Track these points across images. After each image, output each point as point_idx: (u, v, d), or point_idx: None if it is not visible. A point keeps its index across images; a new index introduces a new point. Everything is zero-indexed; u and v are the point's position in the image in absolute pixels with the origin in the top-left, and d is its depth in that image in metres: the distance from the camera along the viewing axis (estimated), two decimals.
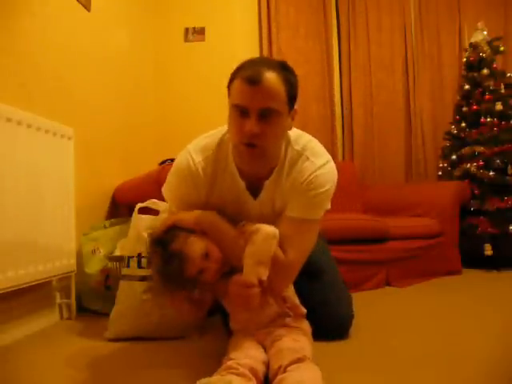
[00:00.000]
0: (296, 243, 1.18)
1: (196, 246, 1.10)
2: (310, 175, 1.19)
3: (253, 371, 0.99)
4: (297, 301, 1.26)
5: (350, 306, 1.47)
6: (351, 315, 1.46)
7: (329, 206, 1.26)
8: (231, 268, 1.14)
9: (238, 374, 0.96)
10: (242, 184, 1.24)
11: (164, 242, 1.12)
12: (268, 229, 1.12)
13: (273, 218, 1.24)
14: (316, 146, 1.26)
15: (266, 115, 1.10)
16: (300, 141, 1.25)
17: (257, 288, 1.04)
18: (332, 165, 1.25)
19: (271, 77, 1.09)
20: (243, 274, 1.05)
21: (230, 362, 1.01)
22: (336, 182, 1.25)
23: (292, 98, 1.16)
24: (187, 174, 1.24)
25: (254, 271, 1.05)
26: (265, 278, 1.05)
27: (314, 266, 1.43)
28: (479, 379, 1.09)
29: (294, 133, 1.27)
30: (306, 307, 1.27)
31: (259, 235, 1.10)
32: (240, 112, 1.11)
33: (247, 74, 1.09)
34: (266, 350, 1.11)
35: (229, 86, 1.16)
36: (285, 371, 0.98)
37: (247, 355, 1.04)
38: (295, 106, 1.19)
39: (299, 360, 1.00)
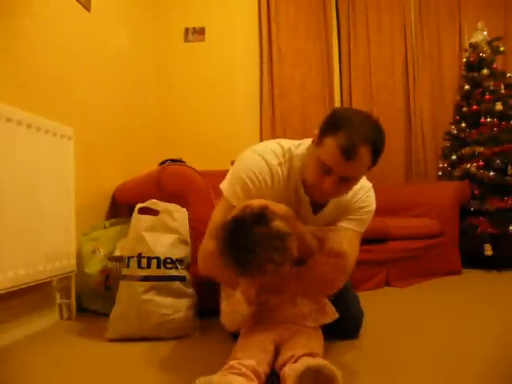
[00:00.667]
0: (352, 248, 1.31)
1: (288, 228, 1.06)
2: (363, 196, 1.34)
3: (255, 372, 1.00)
4: (329, 304, 1.28)
5: (359, 305, 1.51)
6: (362, 314, 1.48)
7: (368, 224, 1.40)
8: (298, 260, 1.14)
9: (239, 374, 0.97)
10: (305, 199, 1.29)
11: (264, 220, 1.03)
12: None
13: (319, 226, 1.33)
14: None
15: (346, 179, 1.17)
16: None
17: (343, 261, 1.21)
18: (373, 191, 1.40)
19: (365, 153, 1.12)
20: (330, 249, 1.21)
21: (232, 362, 1.01)
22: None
23: (376, 161, 1.19)
24: (266, 175, 1.24)
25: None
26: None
27: None
28: (479, 379, 1.09)
29: None
30: None
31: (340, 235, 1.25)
32: (324, 167, 1.15)
33: (344, 145, 1.10)
34: (279, 346, 1.11)
35: (321, 136, 1.16)
36: (296, 361, 1.00)
37: (252, 356, 1.05)
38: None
39: (311, 354, 1.03)
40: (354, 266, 1.32)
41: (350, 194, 1.30)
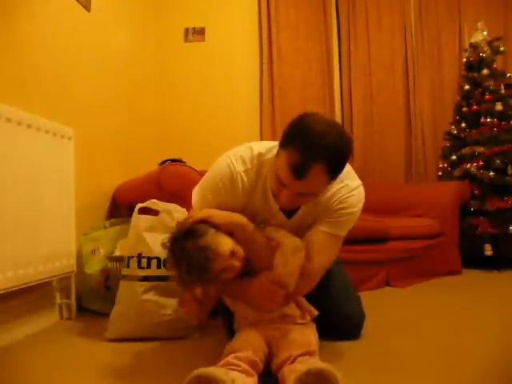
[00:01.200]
0: (322, 252, 1.25)
1: (225, 243, 1.11)
2: (343, 196, 1.23)
3: (252, 363, 1.01)
4: (306, 304, 1.28)
5: (360, 306, 1.50)
6: (363, 315, 1.47)
7: (351, 226, 1.30)
8: (249, 269, 1.16)
9: (239, 371, 0.97)
10: (275, 207, 1.25)
11: (194, 234, 1.09)
12: (296, 242, 1.18)
13: (297, 230, 1.28)
14: (349, 169, 1.27)
15: (304, 194, 1.13)
16: None
17: (284, 290, 1.12)
18: (362, 189, 1.29)
19: (318, 171, 1.05)
20: (277, 276, 1.12)
21: (229, 358, 1.02)
22: (362, 204, 1.31)
23: (335, 176, 1.13)
24: (227, 182, 1.23)
25: (286, 278, 1.13)
26: (291, 290, 1.13)
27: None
28: (479, 379, 1.09)
29: None
30: (319, 308, 1.29)
31: (288, 248, 1.15)
32: (279, 180, 1.12)
33: (294, 163, 1.05)
34: (271, 345, 1.12)
35: (279, 145, 1.13)
36: (294, 361, 1.00)
37: (247, 345, 1.07)
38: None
39: (308, 353, 1.03)
40: (324, 272, 1.27)
41: (329, 193, 1.23)
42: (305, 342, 1.09)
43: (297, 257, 1.15)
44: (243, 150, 1.26)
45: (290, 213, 1.27)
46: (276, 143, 1.22)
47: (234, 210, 1.23)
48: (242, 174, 1.22)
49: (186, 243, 1.08)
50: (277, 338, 1.13)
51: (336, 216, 1.24)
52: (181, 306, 1.21)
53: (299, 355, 1.02)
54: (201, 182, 1.32)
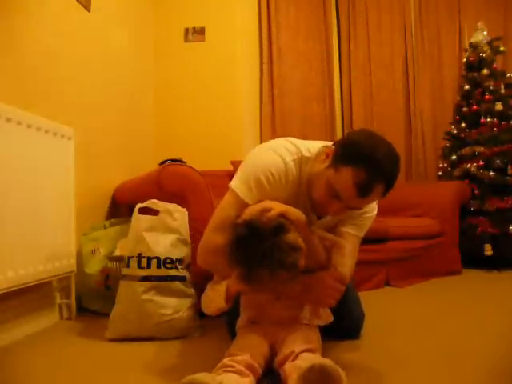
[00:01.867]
0: (352, 255, 1.33)
1: (302, 241, 1.06)
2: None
3: (249, 367, 1.00)
4: (323, 309, 1.27)
5: (361, 307, 1.50)
6: (363, 315, 1.47)
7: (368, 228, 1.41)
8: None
9: (233, 372, 0.97)
10: (308, 205, 1.27)
11: (284, 230, 1.03)
12: (348, 245, 1.29)
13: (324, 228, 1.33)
14: None
15: (354, 207, 1.19)
16: None
17: (344, 288, 1.18)
18: None
19: (379, 189, 1.11)
20: (339, 274, 1.19)
21: (225, 360, 1.02)
22: None
23: (386, 194, 1.17)
24: (279, 173, 1.21)
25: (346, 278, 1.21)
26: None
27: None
28: (479, 379, 1.09)
29: None
30: None
31: (346, 249, 1.27)
32: (333, 192, 1.13)
33: (362, 182, 1.08)
34: (275, 345, 1.12)
35: (337, 160, 1.13)
36: (296, 358, 1.00)
37: (246, 349, 1.05)
38: None
39: (311, 350, 1.03)
40: (352, 272, 1.33)
41: None
42: (307, 339, 1.09)
43: (352, 258, 1.27)
44: (284, 143, 1.26)
45: (319, 214, 1.30)
46: (309, 143, 1.28)
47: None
48: (292, 163, 1.23)
49: (276, 239, 1.00)
50: (281, 337, 1.13)
51: (360, 219, 1.34)
52: (227, 303, 1.16)
53: (301, 352, 1.02)
54: (241, 174, 1.26)
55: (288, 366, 0.99)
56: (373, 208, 1.36)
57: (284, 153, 1.23)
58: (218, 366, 1.01)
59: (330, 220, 1.33)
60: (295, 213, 1.13)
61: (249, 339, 1.13)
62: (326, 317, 1.26)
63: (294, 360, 1.01)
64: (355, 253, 1.36)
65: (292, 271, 1.01)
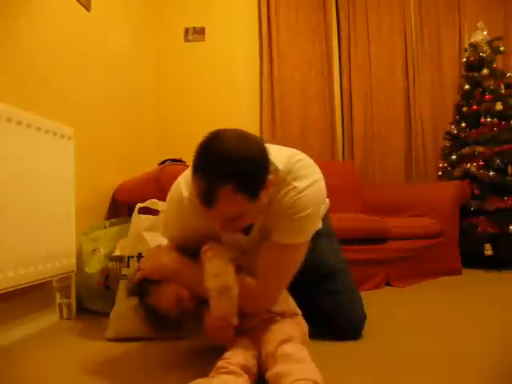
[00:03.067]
0: (275, 271, 1.17)
1: (166, 296, 1.16)
2: (291, 200, 1.13)
3: (244, 368, 1.00)
4: (290, 302, 1.26)
5: (362, 308, 1.48)
6: (364, 317, 1.46)
7: (318, 226, 1.23)
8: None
9: (227, 373, 0.97)
10: None
11: (140, 295, 1.19)
12: (226, 280, 1.08)
13: (258, 244, 1.21)
14: (301, 167, 1.17)
15: (232, 219, 1.06)
16: (287, 166, 1.16)
17: (231, 325, 1.07)
18: (317, 186, 1.18)
19: (228, 193, 0.98)
20: (211, 309, 1.07)
21: (220, 362, 1.02)
22: (323, 201, 1.22)
23: (256, 191, 1.03)
24: (178, 206, 1.21)
25: (221, 305, 1.06)
26: (236, 322, 1.07)
27: (327, 269, 1.43)
28: (479, 379, 1.09)
29: (276, 157, 1.14)
30: (321, 310, 1.27)
31: (214, 292, 1.07)
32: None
33: (201, 193, 1.00)
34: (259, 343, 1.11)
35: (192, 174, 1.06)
36: (274, 357, 1.00)
37: (239, 352, 1.06)
38: (267, 178, 1.06)
39: (286, 341, 1.03)
40: (280, 291, 1.21)
41: (278, 199, 1.13)
42: (281, 331, 1.09)
43: (225, 298, 1.06)
44: (189, 171, 1.14)
45: (247, 229, 1.19)
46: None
47: (194, 230, 1.20)
48: (188, 197, 1.16)
49: (139, 304, 1.20)
50: (259, 338, 1.11)
51: (288, 222, 1.14)
52: (227, 344, 1.12)
53: (274, 350, 1.01)
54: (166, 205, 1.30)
55: (270, 379, 0.98)
56: (303, 207, 1.13)
57: (185, 185, 1.19)
58: (213, 369, 1.01)
59: (261, 230, 1.19)
60: (157, 270, 1.19)
61: (240, 343, 1.12)
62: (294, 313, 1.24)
63: (273, 362, 0.99)
64: (284, 263, 1.17)
65: (162, 325, 1.15)
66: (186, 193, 1.18)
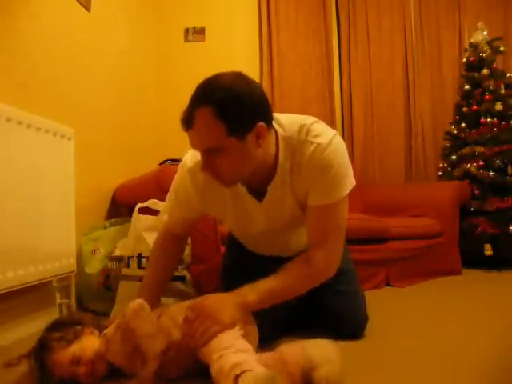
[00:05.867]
0: (326, 234, 1.16)
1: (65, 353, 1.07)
2: (321, 157, 1.12)
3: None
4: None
5: (365, 309, 1.48)
6: (366, 318, 1.46)
7: (352, 180, 1.19)
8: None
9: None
10: (243, 189, 1.21)
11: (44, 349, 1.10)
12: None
13: (281, 220, 1.24)
14: (315, 126, 1.17)
15: (211, 153, 1.06)
16: (295, 128, 1.17)
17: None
18: (338, 139, 1.18)
19: (203, 115, 1.01)
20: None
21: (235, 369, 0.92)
22: (346, 151, 1.20)
23: (238, 126, 1.03)
24: (189, 187, 1.25)
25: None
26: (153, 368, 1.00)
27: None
28: (479, 379, 1.09)
29: (286, 122, 1.19)
30: (325, 309, 1.29)
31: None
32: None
33: (182, 115, 1.05)
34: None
35: None
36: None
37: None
38: (257, 123, 1.06)
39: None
40: (342, 245, 1.20)
41: (305, 159, 1.13)
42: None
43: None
44: None
45: (260, 195, 1.19)
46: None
47: (193, 209, 1.27)
48: (193, 168, 1.21)
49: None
50: None
51: (324, 180, 1.13)
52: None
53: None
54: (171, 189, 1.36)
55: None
56: (332, 162, 1.12)
57: (191, 154, 1.24)
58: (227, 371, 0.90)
59: (276, 200, 1.18)
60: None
61: None
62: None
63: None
64: (330, 224, 1.16)
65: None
66: (190, 163, 1.23)
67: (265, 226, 1.27)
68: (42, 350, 1.09)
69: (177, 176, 1.30)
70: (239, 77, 1.09)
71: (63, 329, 1.12)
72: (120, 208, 2.35)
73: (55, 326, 1.14)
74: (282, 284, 1.13)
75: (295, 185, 1.17)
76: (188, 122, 1.03)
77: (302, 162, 1.14)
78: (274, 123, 1.16)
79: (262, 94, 1.10)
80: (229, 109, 1.01)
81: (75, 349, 1.08)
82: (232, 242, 1.54)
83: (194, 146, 1.08)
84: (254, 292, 1.09)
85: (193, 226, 1.43)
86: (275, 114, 1.17)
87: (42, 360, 1.08)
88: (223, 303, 1.05)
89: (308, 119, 1.20)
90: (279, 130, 1.17)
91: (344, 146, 1.20)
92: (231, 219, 1.30)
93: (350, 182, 1.19)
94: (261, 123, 1.06)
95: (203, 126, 1.02)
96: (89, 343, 1.10)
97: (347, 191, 1.17)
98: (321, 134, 1.16)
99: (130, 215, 1.67)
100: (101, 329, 1.15)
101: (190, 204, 1.27)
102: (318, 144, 1.13)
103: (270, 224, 1.26)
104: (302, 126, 1.16)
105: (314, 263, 1.15)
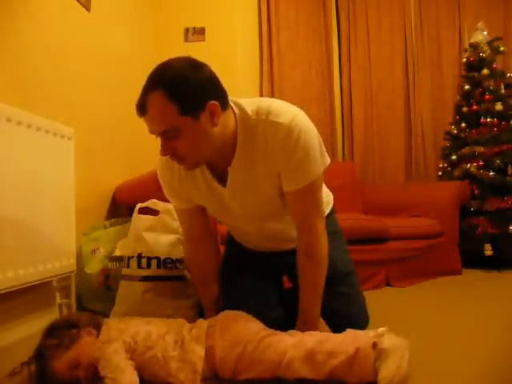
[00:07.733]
0: (306, 212, 1.19)
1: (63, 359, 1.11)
2: (283, 139, 1.10)
3: None
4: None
5: (366, 314, 1.48)
6: (367, 319, 1.46)
7: (325, 159, 1.19)
8: None
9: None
10: (208, 174, 1.23)
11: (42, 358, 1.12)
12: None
13: (256, 207, 1.24)
14: (274, 105, 1.15)
15: (169, 137, 1.09)
16: (253, 108, 1.18)
17: None
18: (301, 117, 1.15)
19: (155, 99, 1.03)
20: None
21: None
22: (314, 129, 1.17)
23: (189, 104, 1.04)
24: (169, 176, 1.31)
25: None
26: None
27: (335, 271, 1.39)
28: (480, 379, 1.09)
29: (245, 103, 1.21)
30: (326, 310, 1.28)
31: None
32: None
33: (137, 102, 1.07)
34: None
35: None
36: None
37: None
38: (209, 101, 1.07)
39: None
40: (323, 214, 1.25)
41: (268, 142, 1.11)
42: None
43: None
44: None
45: (222, 178, 1.20)
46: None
47: (182, 195, 1.30)
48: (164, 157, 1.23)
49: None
50: None
51: (294, 162, 1.12)
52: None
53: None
54: None
55: None
56: (299, 138, 1.10)
57: None
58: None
59: (238, 183, 1.18)
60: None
61: None
62: None
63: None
64: (310, 205, 1.18)
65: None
66: (164, 158, 1.27)
67: (240, 212, 1.26)
68: (40, 359, 1.12)
69: (158, 174, 1.35)
70: (187, 60, 1.11)
71: (60, 334, 1.14)
72: (120, 208, 2.35)
73: (51, 332, 1.16)
74: (309, 289, 1.24)
75: (261, 167, 1.16)
76: (142, 107, 1.05)
77: (267, 144, 1.13)
78: (232, 105, 1.18)
79: (211, 73, 1.14)
80: (178, 89, 1.03)
81: (73, 354, 1.11)
82: (230, 241, 1.55)
83: (151, 131, 1.10)
84: (308, 313, 1.24)
85: (204, 223, 1.40)
86: (235, 99, 1.21)
87: (41, 368, 1.10)
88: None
89: (267, 100, 1.21)
90: (237, 112, 1.18)
91: (309, 123, 1.16)
92: (210, 206, 1.32)
93: (323, 162, 1.18)
94: (212, 101, 1.08)
95: (156, 109, 1.04)
96: (86, 346, 1.13)
97: (320, 171, 1.17)
98: (282, 113, 1.13)
99: (130, 215, 1.67)
100: (98, 327, 1.19)
101: (180, 194, 1.31)
102: (279, 123, 1.11)
103: (244, 210, 1.26)
104: (260, 107, 1.16)
105: (313, 254, 1.21)
